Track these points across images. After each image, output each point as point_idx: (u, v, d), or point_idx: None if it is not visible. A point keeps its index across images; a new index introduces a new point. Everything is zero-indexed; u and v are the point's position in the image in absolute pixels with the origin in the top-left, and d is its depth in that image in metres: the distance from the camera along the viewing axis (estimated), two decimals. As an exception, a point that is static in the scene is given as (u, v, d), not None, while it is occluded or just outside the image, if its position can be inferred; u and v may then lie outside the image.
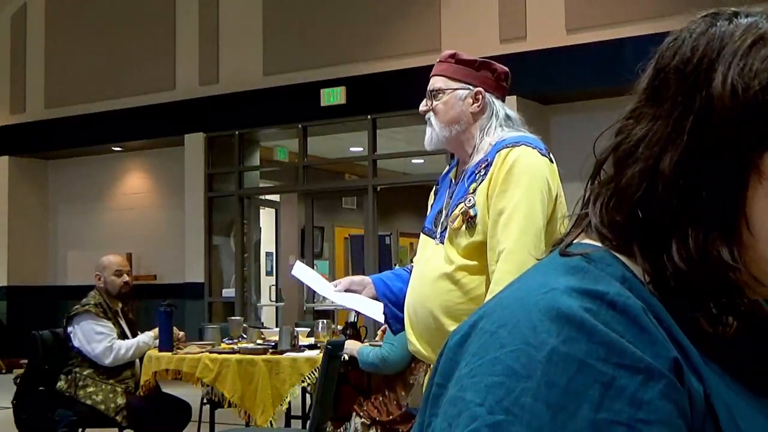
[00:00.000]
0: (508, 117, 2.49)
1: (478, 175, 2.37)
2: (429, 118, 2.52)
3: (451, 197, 2.47)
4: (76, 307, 5.04)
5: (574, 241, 0.76)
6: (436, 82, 2.53)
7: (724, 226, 0.69)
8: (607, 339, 0.63)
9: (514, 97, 8.12)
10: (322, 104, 9.66)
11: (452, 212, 2.39)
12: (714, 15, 0.74)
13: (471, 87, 2.49)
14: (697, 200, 0.69)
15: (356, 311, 2.70)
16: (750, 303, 0.72)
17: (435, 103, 2.51)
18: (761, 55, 0.69)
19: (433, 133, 2.51)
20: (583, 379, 0.61)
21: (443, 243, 2.40)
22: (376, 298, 2.63)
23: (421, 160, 11.74)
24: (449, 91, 2.49)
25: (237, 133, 10.43)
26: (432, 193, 2.66)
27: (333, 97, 9.61)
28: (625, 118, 0.75)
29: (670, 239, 0.70)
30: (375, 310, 2.61)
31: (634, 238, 0.72)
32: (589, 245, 0.74)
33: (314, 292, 3.15)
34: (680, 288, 0.69)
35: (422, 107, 2.55)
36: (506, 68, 2.56)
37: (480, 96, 2.48)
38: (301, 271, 2.94)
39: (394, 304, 2.60)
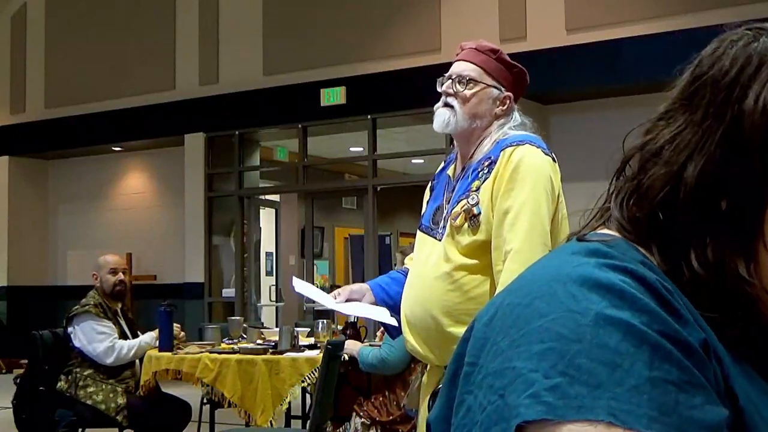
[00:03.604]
0: (523, 123, 2.46)
1: (481, 172, 2.34)
2: (451, 102, 2.44)
3: (451, 194, 2.43)
4: (76, 307, 5.04)
5: (592, 232, 0.76)
6: (470, 70, 2.44)
7: (742, 240, 0.69)
8: (648, 308, 0.63)
9: (514, 97, 8.12)
10: (322, 104, 9.66)
11: (453, 209, 2.36)
12: (759, 30, 0.74)
13: (503, 89, 2.45)
14: (717, 211, 0.69)
15: (365, 318, 2.65)
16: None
17: (463, 90, 2.43)
18: None
19: (452, 119, 2.42)
20: (633, 340, 0.61)
21: (442, 240, 2.37)
22: (375, 305, 2.59)
23: (421, 160, 11.72)
24: (483, 85, 2.44)
25: (237, 133, 10.42)
26: (428, 189, 2.62)
27: (333, 97, 9.61)
28: (657, 119, 0.76)
29: (689, 244, 0.70)
30: (382, 314, 2.56)
31: (652, 236, 0.72)
32: (607, 234, 0.74)
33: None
34: (697, 290, 0.69)
35: (445, 87, 2.45)
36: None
37: (508, 101, 2.45)
38: (301, 285, 2.88)
39: (393, 308, 2.55)
